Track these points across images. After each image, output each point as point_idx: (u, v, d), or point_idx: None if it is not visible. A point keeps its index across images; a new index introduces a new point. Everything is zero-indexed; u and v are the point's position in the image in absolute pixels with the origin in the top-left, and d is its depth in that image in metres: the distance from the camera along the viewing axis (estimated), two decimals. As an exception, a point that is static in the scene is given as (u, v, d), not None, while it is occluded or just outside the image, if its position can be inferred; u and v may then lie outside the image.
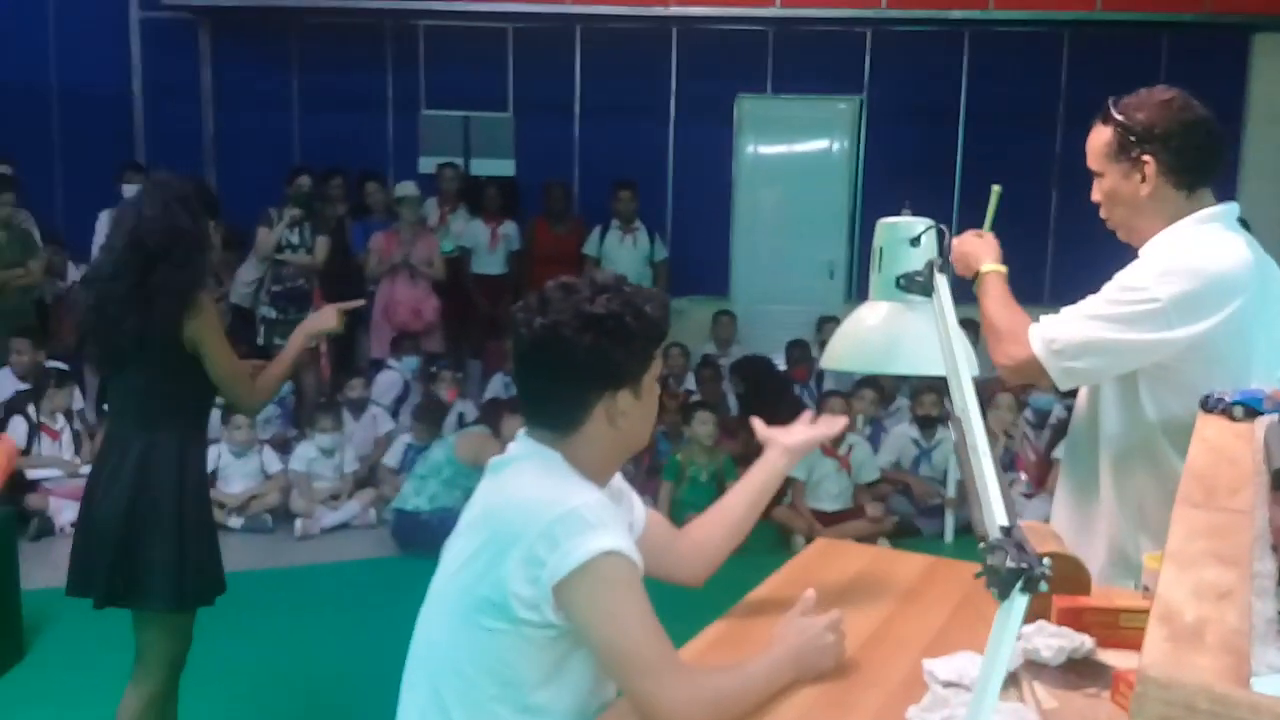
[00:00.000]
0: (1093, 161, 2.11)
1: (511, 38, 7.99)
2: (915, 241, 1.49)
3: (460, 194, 7.62)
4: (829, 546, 2.48)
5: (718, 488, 5.69)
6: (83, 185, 7.51)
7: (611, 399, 1.67)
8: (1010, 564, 1.07)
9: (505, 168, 7.99)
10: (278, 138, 7.99)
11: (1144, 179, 2.03)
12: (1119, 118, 2.04)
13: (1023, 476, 5.86)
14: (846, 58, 7.92)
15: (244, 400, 2.81)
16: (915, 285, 1.46)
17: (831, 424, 2.10)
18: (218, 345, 2.66)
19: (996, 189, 2.19)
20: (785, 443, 2.05)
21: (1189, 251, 1.99)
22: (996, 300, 2.09)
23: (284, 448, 6.19)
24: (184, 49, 7.92)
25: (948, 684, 1.67)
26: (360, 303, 3.09)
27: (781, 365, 7.15)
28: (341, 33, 7.95)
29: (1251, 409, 1.71)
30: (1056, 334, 1.99)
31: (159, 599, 2.69)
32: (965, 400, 1.24)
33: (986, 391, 6.39)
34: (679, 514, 5.50)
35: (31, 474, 5.45)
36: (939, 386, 6.10)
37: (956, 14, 7.50)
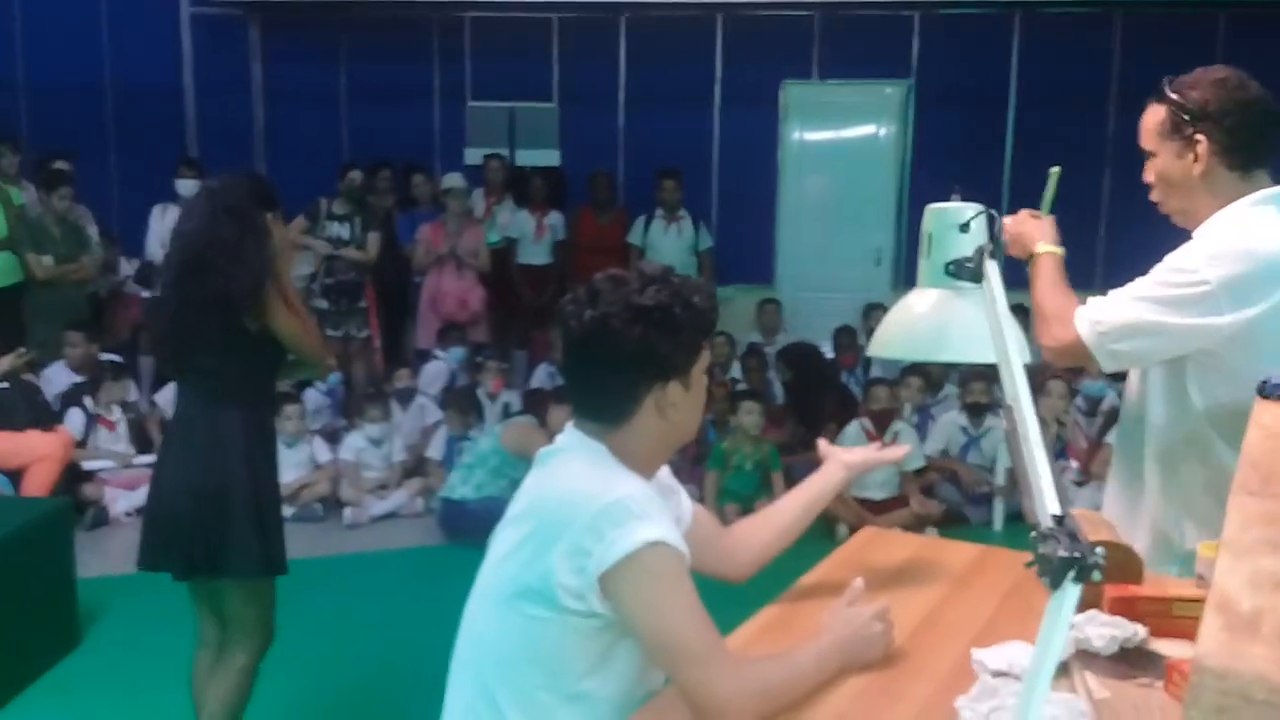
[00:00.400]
0: (1146, 141, 2.09)
1: (556, 28, 8.01)
2: (965, 227, 1.47)
3: (506, 185, 7.66)
4: (876, 535, 2.46)
5: (762, 477, 5.68)
6: (136, 180, 7.65)
7: (661, 390, 1.67)
8: (1063, 553, 1.06)
9: (550, 158, 8.01)
10: (326, 131, 8.09)
11: (1196, 158, 2.00)
12: (1173, 96, 2.01)
13: (1074, 464, 5.79)
14: (894, 42, 7.85)
15: (313, 361, 2.96)
16: (965, 271, 1.44)
17: (894, 452, 2.14)
18: (287, 325, 2.76)
19: (1055, 170, 2.16)
20: (845, 459, 2.08)
21: (1241, 234, 1.95)
22: (1047, 281, 2.07)
23: (333, 438, 6.26)
24: (234, 43, 8.03)
25: (997, 674, 1.65)
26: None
27: (829, 353, 7.11)
28: (388, 26, 8.02)
29: None
30: (1102, 315, 1.96)
31: (245, 566, 2.76)
32: (1017, 388, 1.22)
33: (1038, 378, 6.31)
34: (723, 502, 5.50)
35: (87, 465, 5.56)
36: (988, 374, 6.07)
37: (1005, -4, 7.42)
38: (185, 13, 7.99)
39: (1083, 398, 6.25)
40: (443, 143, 8.12)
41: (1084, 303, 2.00)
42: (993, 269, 1.38)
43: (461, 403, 6.18)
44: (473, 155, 7.90)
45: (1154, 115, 2.07)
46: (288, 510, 5.52)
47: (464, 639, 1.75)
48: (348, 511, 5.61)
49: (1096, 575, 1.07)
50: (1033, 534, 1.13)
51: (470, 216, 7.35)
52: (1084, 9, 7.54)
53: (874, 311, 7.56)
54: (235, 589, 2.82)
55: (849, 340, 7.16)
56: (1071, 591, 1.05)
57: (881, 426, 5.60)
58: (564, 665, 1.61)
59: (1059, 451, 5.80)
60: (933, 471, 5.81)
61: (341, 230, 6.85)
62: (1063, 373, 6.26)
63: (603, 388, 1.69)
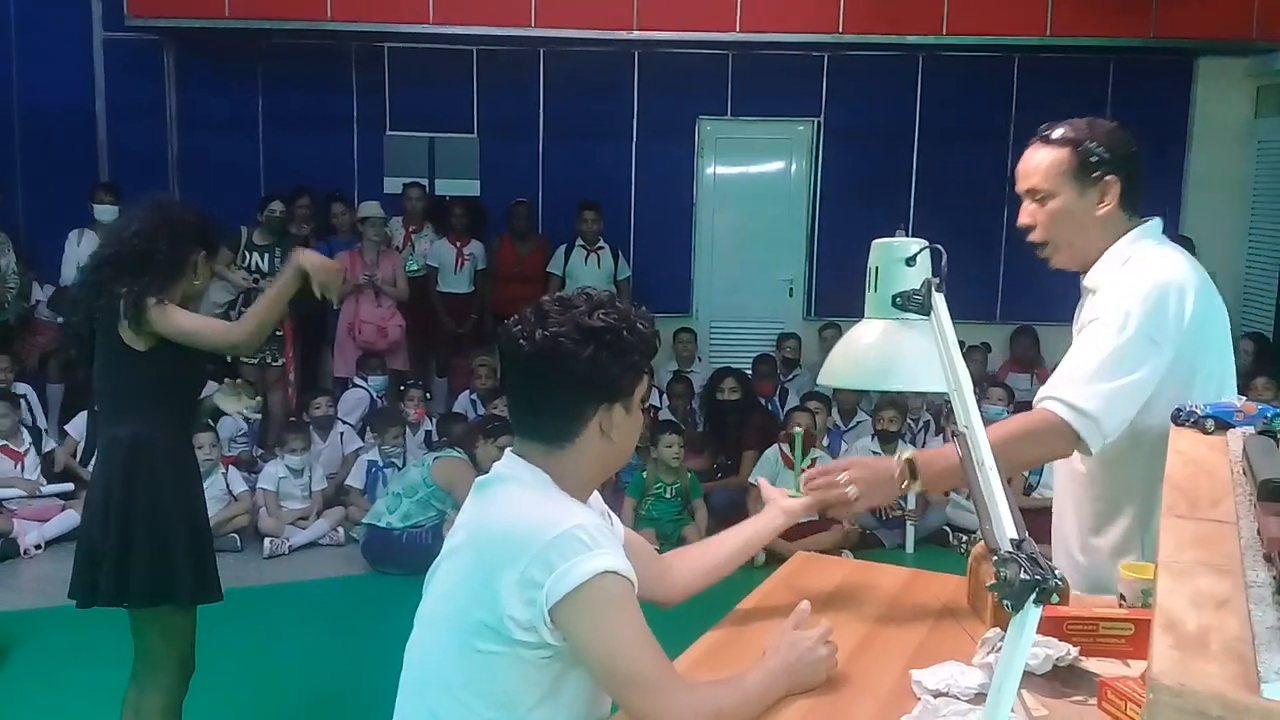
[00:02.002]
0: (1041, 181, 2.19)
1: (476, 60, 8.05)
2: (911, 261, 1.57)
3: (425, 214, 7.69)
4: (808, 560, 2.54)
5: (683, 504, 5.80)
6: (48, 206, 7.48)
7: (607, 412, 1.69)
8: (1024, 576, 1.09)
9: (470, 188, 8.05)
10: (243, 158, 7.99)
11: (1102, 200, 2.15)
12: (1080, 140, 2.15)
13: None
14: (804, 81, 8.07)
15: (233, 343, 2.87)
16: (912, 304, 1.54)
17: (829, 493, 2.12)
18: (189, 327, 2.73)
19: (798, 431, 2.50)
20: (784, 505, 2.14)
21: (1142, 269, 2.11)
22: (991, 439, 1.68)
23: (250, 467, 6.20)
24: (148, 69, 7.89)
25: (936, 693, 1.73)
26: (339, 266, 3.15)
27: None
28: (306, 54, 7.97)
29: (1223, 422, 1.79)
30: (1081, 404, 2.01)
31: (139, 594, 2.72)
32: (969, 415, 1.31)
33: (943, 405, 6.55)
34: (641, 529, 5.58)
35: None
36: (899, 402, 6.28)
37: (911, 39, 7.67)
38: (98, 38, 7.84)
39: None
40: (362, 172, 8.10)
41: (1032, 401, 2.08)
42: (940, 301, 1.48)
43: (386, 422, 6.18)
44: (392, 185, 7.89)
45: (1051, 157, 2.18)
46: (205, 541, 5.47)
47: (410, 674, 1.73)
48: (267, 542, 5.56)
49: (1055, 598, 1.11)
50: (994, 558, 1.16)
51: (388, 245, 7.36)
52: (984, 52, 7.85)
53: (786, 341, 7.76)
54: (144, 620, 2.78)
55: (768, 369, 7.32)
56: (1033, 614, 1.08)
57: (796, 451, 5.74)
58: (514, 698, 1.61)
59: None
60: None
61: (261, 261, 6.84)
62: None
63: (550, 408, 1.70)
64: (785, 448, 5.76)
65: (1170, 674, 0.91)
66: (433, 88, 8.09)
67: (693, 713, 1.59)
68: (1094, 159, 2.14)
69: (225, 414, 6.14)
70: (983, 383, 7.08)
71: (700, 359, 7.81)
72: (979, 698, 1.72)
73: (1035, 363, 7.74)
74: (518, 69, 8.03)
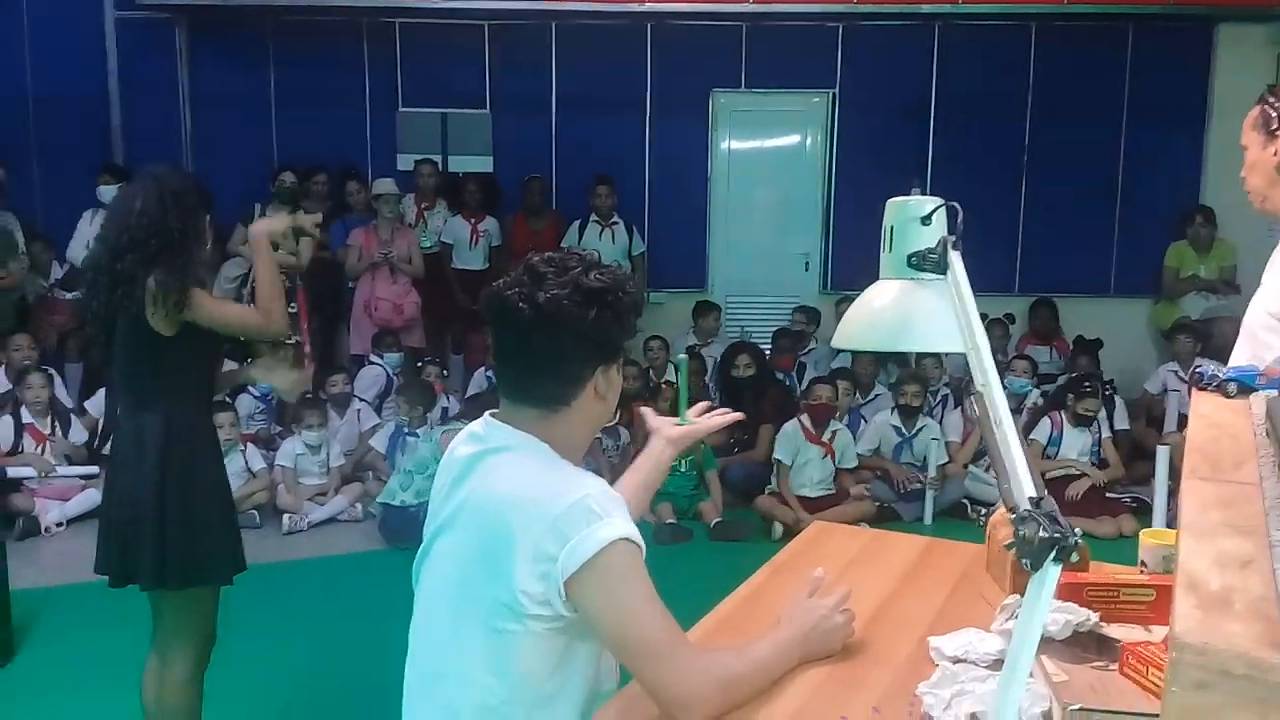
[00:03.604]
0: (1243, 135, 2.32)
1: (488, 35, 8.01)
2: (926, 220, 1.53)
3: (438, 190, 7.68)
4: (824, 530, 2.54)
5: (698, 477, 5.78)
6: (62, 186, 7.49)
7: (604, 373, 1.68)
8: (1043, 534, 1.07)
9: (483, 164, 8.03)
10: (256, 136, 7.98)
11: (1277, 152, 2.22)
12: (1269, 98, 2.25)
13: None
14: (819, 52, 7.99)
15: (261, 328, 2.88)
16: (929, 263, 1.50)
17: (718, 419, 2.12)
18: (220, 316, 2.76)
19: (682, 357, 2.33)
20: (668, 434, 2.06)
21: None
22: None
23: (269, 444, 6.22)
24: (160, 48, 7.89)
25: (955, 660, 1.72)
26: (317, 218, 3.16)
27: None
28: (318, 31, 7.95)
29: (1245, 386, 1.77)
30: None
31: (153, 576, 2.72)
32: (987, 375, 1.28)
33: (964, 378, 6.52)
34: (658, 502, 5.57)
35: (13, 473, 5.46)
36: (920, 377, 6.24)
37: (926, 8, 7.60)
38: (110, 17, 7.83)
39: (1008, 395, 6.44)
40: (374, 149, 8.08)
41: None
42: (956, 259, 1.45)
43: (414, 394, 6.18)
44: (405, 161, 7.89)
45: (1252, 112, 2.30)
46: (225, 518, 5.50)
47: (421, 654, 1.71)
48: (286, 518, 5.58)
49: (1075, 556, 1.09)
50: (1012, 517, 1.14)
51: (402, 222, 7.36)
52: (1001, 20, 7.77)
53: (797, 314, 7.74)
54: (167, 596, 2.78)
55: (787, 343, 7.29)
56: (1052, 572, 1.06)
57: (819, 424, 5.73)
58: (530, 673, 1.59)
59: (984, 449, 5.98)
60: (865, 470, 5.97)
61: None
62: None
63: (551, 371, 1.66)
64: (805, 420, 5.74)
65: (1194, 633, 0.89)
66: (445, 64, 8.06)
67: (705, 680, 1.58)
68: (1275, 111, 2.23)
69: (255, 389, 6.20)
70: (1007, 355, 7.05)
71: (718, 334, 7.78)
72: (997, 664, 1.71)
73: (1054, 335, 7.69)
74: (530, 44, 7.98)
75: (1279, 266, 2.32)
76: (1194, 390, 1.96)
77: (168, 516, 2.70)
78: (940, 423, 6.23)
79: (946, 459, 5.93)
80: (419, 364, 6.93)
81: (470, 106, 8.04)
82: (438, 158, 7.87)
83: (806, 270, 8.32)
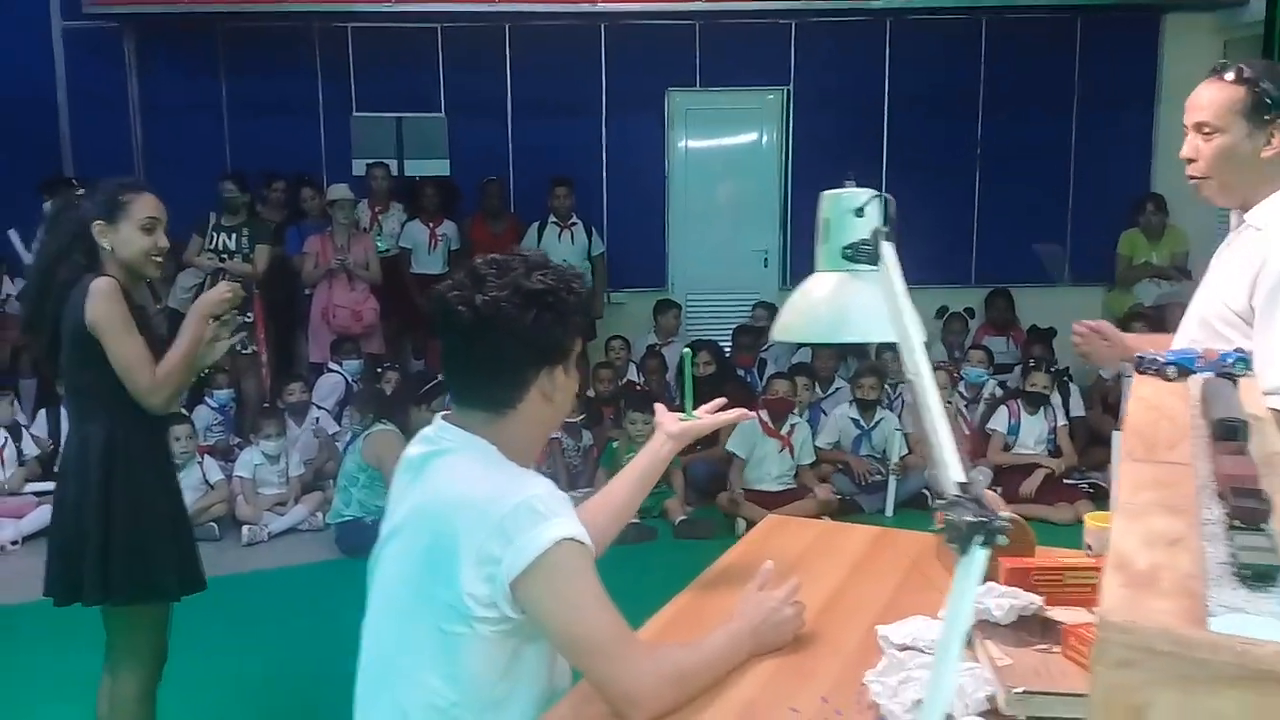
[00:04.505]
0: (1211, 116, 2.18)
1: (441, 38, 7.98)
2: (860, 212, 1.54)
3: (391, 193, 7.64)
4: (779, 523, 2.54)
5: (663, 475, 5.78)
6: (10, 198, 7.37)
7: (549, 375, 1.67)
8: (969, 518, 1.07)
9: (440, 168, 8.00)
10: (208, 145, 7.91)
11: (1270, 142, 2.15)
12: (1258, 80, 2.14)
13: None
14: (772, 50, 8.03)
15: (144, 392, 2.65)
16: (862, 254, 1.52)
17: (729, 414, 2.12)
18: (114, 333, 2.62)
19: (686, 351, 2.29)
20: (669, 429, 2.06)
21: None
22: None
23: (227, 455, 6.17)
24: (109, 57, 7.80)
25: (902, 648, 1.73)
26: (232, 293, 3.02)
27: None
28: (269, 37, 7.89)
29: (1184, 369, 1.79)
30: None
31: (93, 591, 2.68)
32: (918, 363, 1.30)
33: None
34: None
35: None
36: (878, 369, 6.28)
37: (877, 4, 7.66)
38: (57, 27, 7.73)
39: (965, 385, 6.52)
40: (329, 155, 8.03)
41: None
42: (889, 250, 1.46)
43: (365, 403, 6.12)
44: (360, 167, 7.83)
45: (1226, 93, 2.16)
46: (183, 531, 5.44)
47: (372, 656, 1.70)
48: (246, 529, 5.53)
49: (1002, 539, 1.08)
50: (939, 501, 1.14)
51: (358, 228, 7.31)
52: (951, 15, 7.84)
53: (759, 310, 7.76)
54: (115, 613, 2.75)
55: (748, 340, 7.31)
56: (979, 556, 1.06)
57: (777, 419, 5.75)
58: (478, 677, 1.59)
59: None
60: (826, 464, 5.99)
61: (229, 240, 6.76)
62: (941, 363, 6.53)
63: (494, 375, 1.65)
64: (764, 415, 5.76)
65: (1118, 611, 0.90)
66: (398, 67, 8.02)
67: (653, 676, 1.57)
68: (1269, 100, 2.13)
69: (212, 400, 6.14)
70: (964, 347, 7.12)
71: (679, 332, 7.79)
72: (945, 650, 1.72)
73: (1011, 325, 7.76)
74: (483, 46, 7.96)
75: (1240, 258, 2.25)
76: (1136, 374, 1.99)
77: (112, 531, 2.66)
78: (900, 415, 6.27)
79: (907, 450, 5.97)
80: (378, 370, 6.88)
81: (425, 110, 8.01)
82: (393, 162, 7.83)
83: (766, 267, 8.35)
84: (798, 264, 8.24)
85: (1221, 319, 2.24)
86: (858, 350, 7.01)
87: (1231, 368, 2.01)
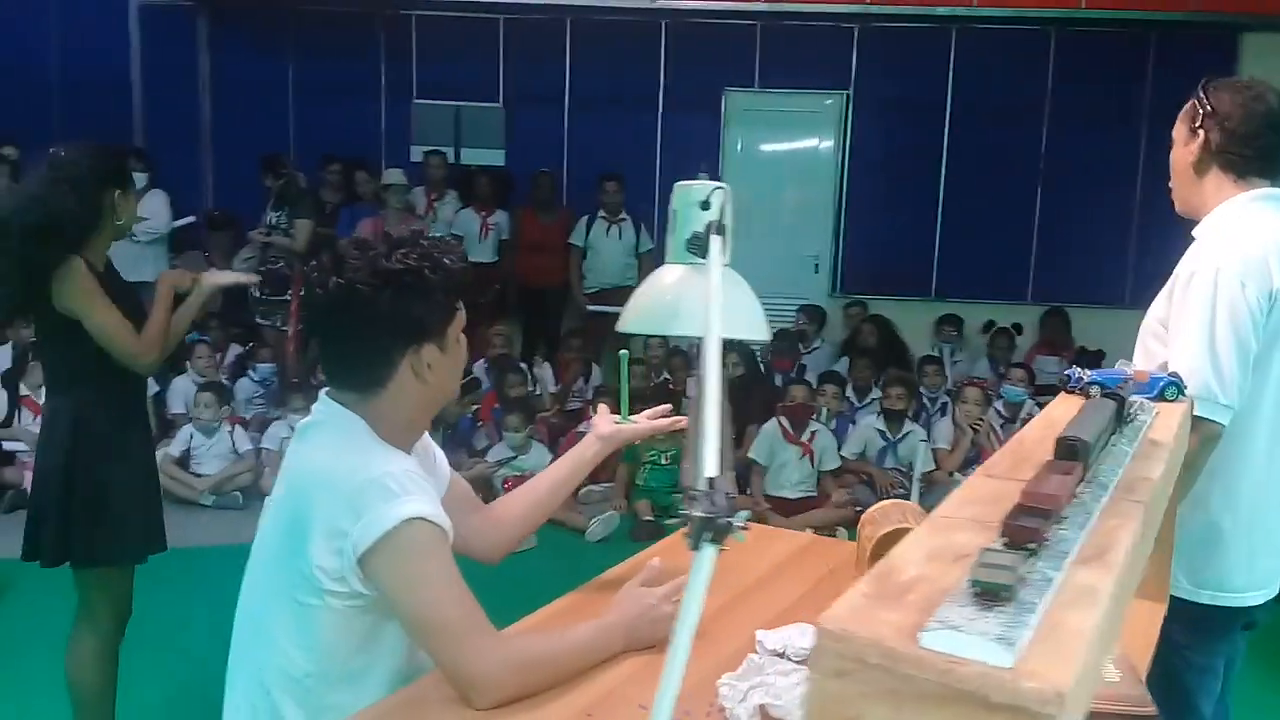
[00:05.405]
0: (1176, 128, 2.24)
1: (503, 29, 8.07)
2: (705, 204, 1.53)
3: (446, 181, 7.73)
4: None
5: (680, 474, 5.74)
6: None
7: (416, 354, 1.65)
8: (698, 513, 1.03)
9: (496, 158, 8.07)
10: (273, 125, 8.11)
11: (1193, 148, 2.15)
12: (1200, 93, 2.16)
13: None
14: (833, 53, 7.95)
15: (131, 356, 2.74)
16: (696, 247, 1.50)
17: (657, 423, 2.09)
18: (91, 307, 2.66)
19: (624, 353, 2.18)
20: (601, 430, 2.05)
21: (1226, 230, 2.09)
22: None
23: (264, 428, 6.30)
24: (182, 37, 8.06)
25: (777, 653, 1.71)
26: (249, 279, 3.14)
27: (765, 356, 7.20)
28: (335, 23, 8.06)
29: (1109, 390, 1.72)
30: (1212, 387, 2.02)
31: (48, 554, 2.76)
32: (709, 357, 1.27)
33: (957, 384, 6.45)
34: (637, 498, 5.57)
35: (8, 446, 5.59)
36: (907, 380, 6.17)
37: (942, 10, 7.53)
38: (134, 6, 8.01)
39: (1003, 404, 6.37)
40: (389, 140, 8.18)
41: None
42: (716, 244, 1.44)
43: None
44: (418, 153, 7.95)
45: (1188, 106, 2.21)
46: (208, 498, 5.59)
47: (241, 622, 1.72)
48: (268, 500, 5.63)
49: (740, 536, 1.05)
50: (682, 495, 1.14)
51: (411, 213, 7.41)
52: (1018, 25, 7.67)
53: (802, 313, 7.70)
54: (78, 574, 2.82)
55: (786, 345, 7.25)
56: (708, 552, 1.03)
57: (797, 424, 5.69)
58: (331, 648, 1.60)
59: (974, 458, 5.91)
60: (849, 474, 5.91)
61: (281, 218, 6.93)
62: (976, 379, 6.39)
63: (355, 355, 1.66)
64: (784, 421, 5.70)
65: (837, 620, 0.87)
66: (459, 57, 8.13)
67: (498, 662, 1.56)
68: (1202, 110, 2.15)
69: (254, 373, 6.27)
70: (1009, 364, 6.96)
71: (721, 333, 7.74)
72: (811, 659, 1.69)
73: (1066, 345, 7.56)
74: (545, 39, 8.03)
75: (1179, 274, 2.18)
76: (1063, 393, 1.94)
77: (73, 498, 2.73)
78: (929, 429, 6.15)
79: (934, 466, 5.85)
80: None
81: (484, 100, 8.10)
82: (450, 150, 7.93)
83: (816, 272, 8.27)
84: (850, 271, 8.15)
85: (1152, 334, 2.19)
86: (898, 360, 6.91)
87: (1162, 392, 1.95)
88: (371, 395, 1.66)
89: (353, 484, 1.55)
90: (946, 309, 7.79)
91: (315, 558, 1.55)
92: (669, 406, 2.14)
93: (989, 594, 0.94)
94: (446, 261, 1.65)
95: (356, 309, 1.60)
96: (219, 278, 3.15)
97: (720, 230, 1.43)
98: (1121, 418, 1.63)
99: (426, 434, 1.84)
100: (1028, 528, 1.07)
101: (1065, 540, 1.14)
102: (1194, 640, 2.19)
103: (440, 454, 1.91)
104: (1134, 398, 1.89)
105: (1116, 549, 1.17)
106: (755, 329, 1.70)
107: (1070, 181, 7.83)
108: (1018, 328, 7.54)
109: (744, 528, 1.06)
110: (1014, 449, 1.56)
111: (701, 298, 1.46)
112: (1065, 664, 0.86)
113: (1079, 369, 1.97)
